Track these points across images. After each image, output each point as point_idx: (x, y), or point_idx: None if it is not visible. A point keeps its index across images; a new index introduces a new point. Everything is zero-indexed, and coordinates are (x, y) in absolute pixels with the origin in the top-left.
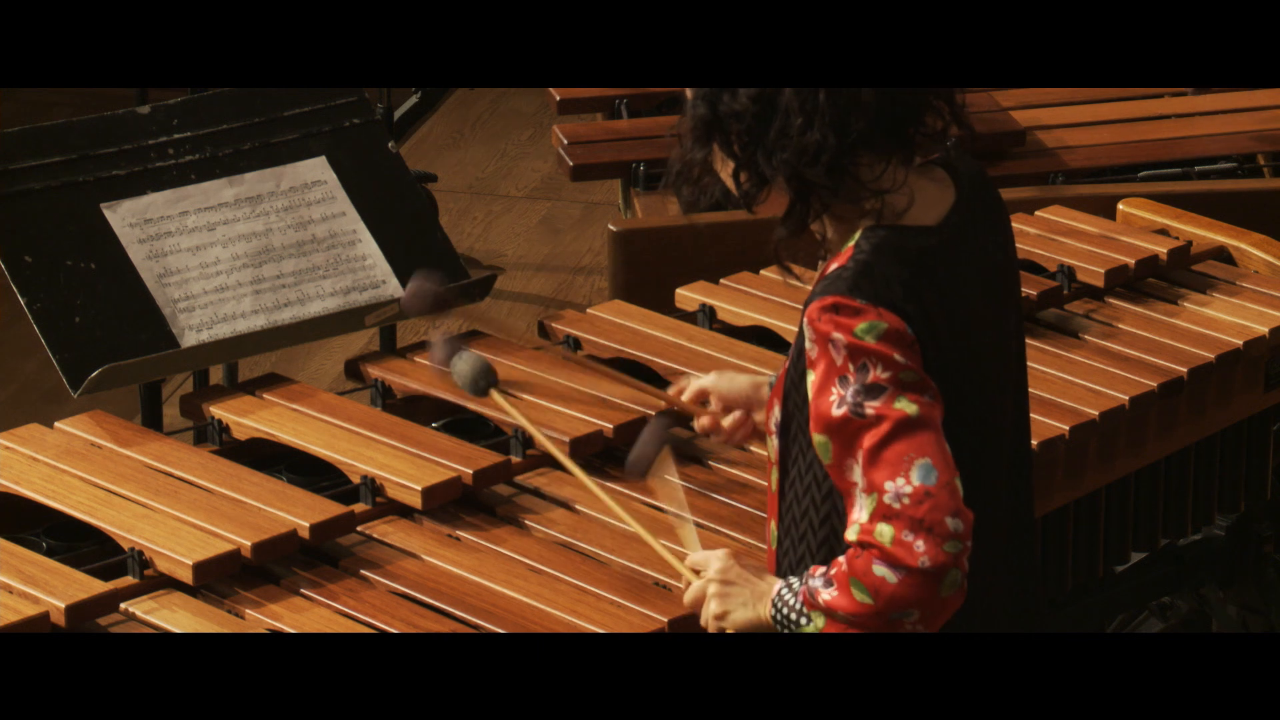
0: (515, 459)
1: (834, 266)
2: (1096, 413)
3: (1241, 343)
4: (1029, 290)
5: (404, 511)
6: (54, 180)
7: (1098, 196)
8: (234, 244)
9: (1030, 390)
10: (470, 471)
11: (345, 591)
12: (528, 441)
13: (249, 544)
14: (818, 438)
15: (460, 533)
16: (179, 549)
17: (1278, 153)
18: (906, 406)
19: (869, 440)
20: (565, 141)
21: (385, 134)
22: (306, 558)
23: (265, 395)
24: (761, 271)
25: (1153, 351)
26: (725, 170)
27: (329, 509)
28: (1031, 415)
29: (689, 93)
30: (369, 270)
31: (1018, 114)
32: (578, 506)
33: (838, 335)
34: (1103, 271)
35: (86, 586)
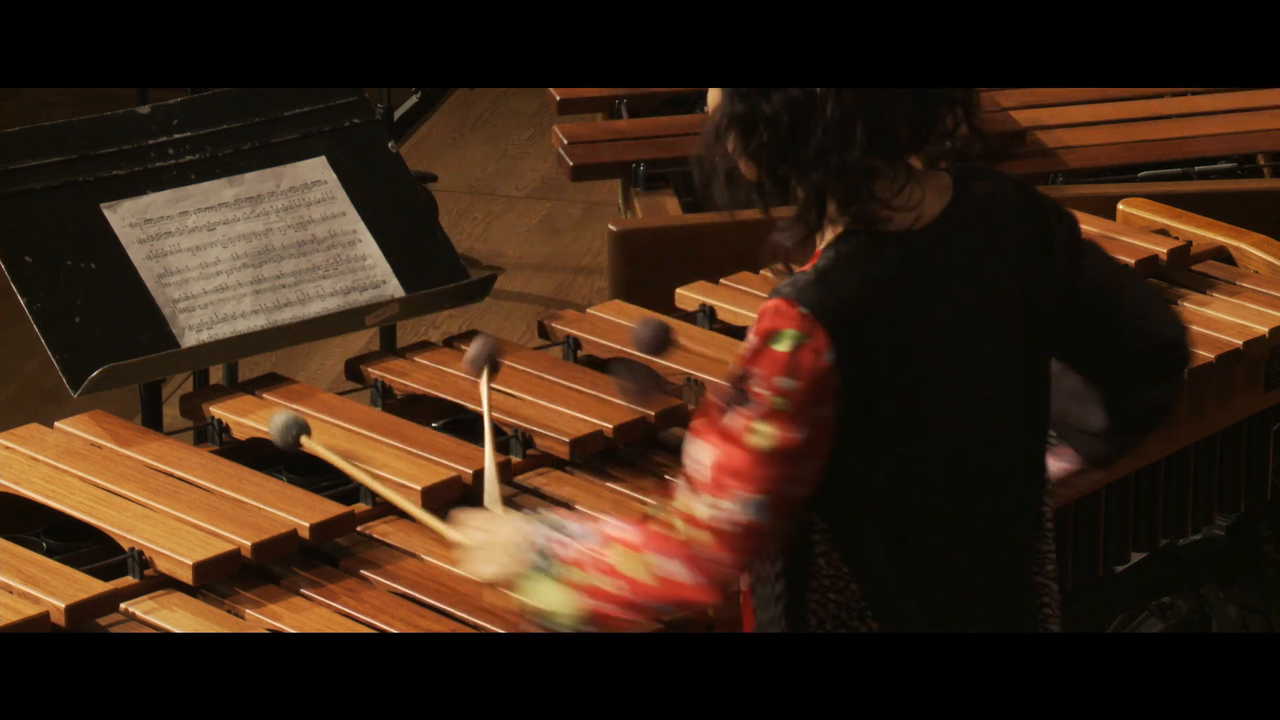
0: (515, 459)
1: (799, 270)
2: None
3: (1241, 343)
4: None
5: (404, 511)
6: (54, 180)
7: (1098, 196)
8: (234, 244)
9: None
10: (470, 471)
11: (345, 591)
12: (528, 441)
13: (249, 544)
14: None
15: None
16: (179, 549)
17: (1278, 153)
18: (766, 434)
19: (726, 449)
20: (565, 141)
21: (385, 134)
22: (306, 558)
23: (265, 395)
24: (762, 271)
25: None
26: (747, 168)
27: (329, 509)
28: None
29: (718, 92)
30: (369, 270)
31: (1018, 114)
32: (578, 506)
33: (761, 334)
34: None
35: (86, 586)
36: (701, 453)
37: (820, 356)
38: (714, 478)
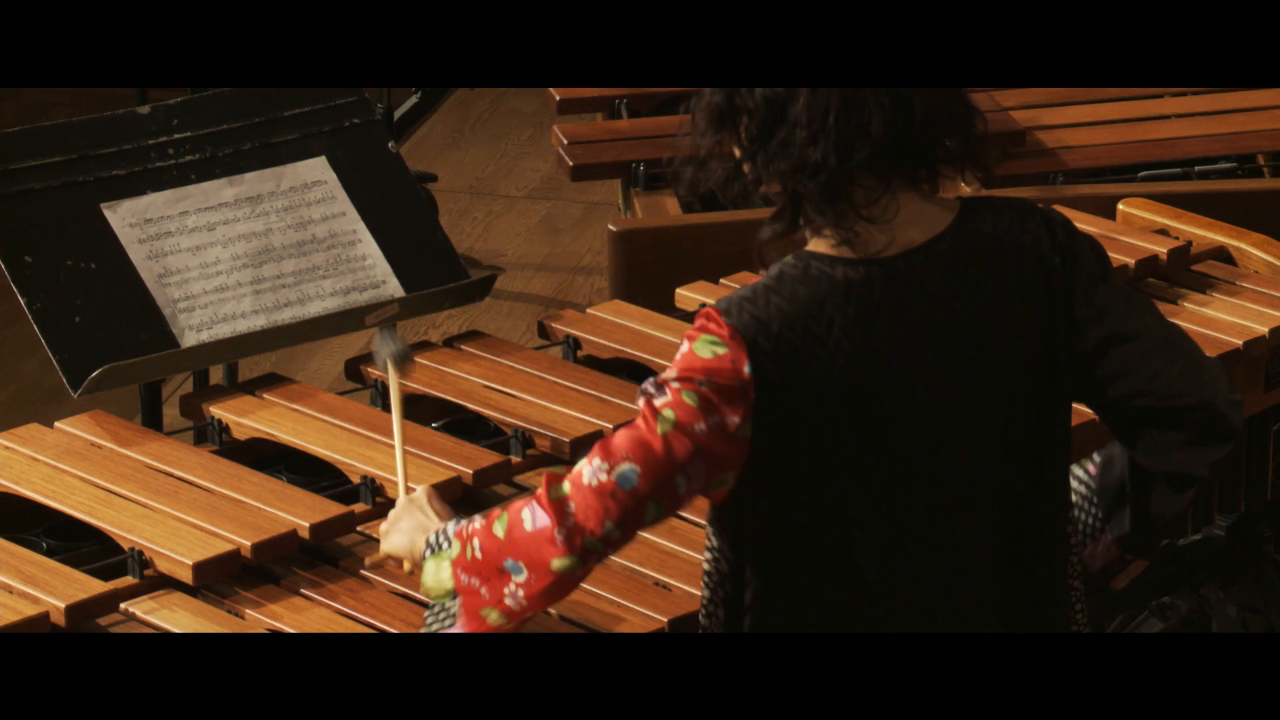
0: (515, 459)
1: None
2: None
3: (1241, 343)
4: None
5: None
6: (54, 180)
7: (1098, 196)
8: (234, 244)
9: None
10: (470, 471)
11: (345, 591)
12: (528, 441)
13: (249, 544)
14: None
15: None
16: (179, 549)
17: (1278, 153)
18: (664, 419)
19: (631, 428)
20: (565, 141)
21: (385, 134)
22: (306, 558)
23: (265, 395)
24: (759, 271)
25: None
26: (738, 159)
27: (329, 509)
28: None
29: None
30: (369, 270)
31: (1018, 114)
32: None
33: (689, 337)
34: None
35: (86, 586)
36: (619, 431)
37: (738, 368)
38: (609, 446)
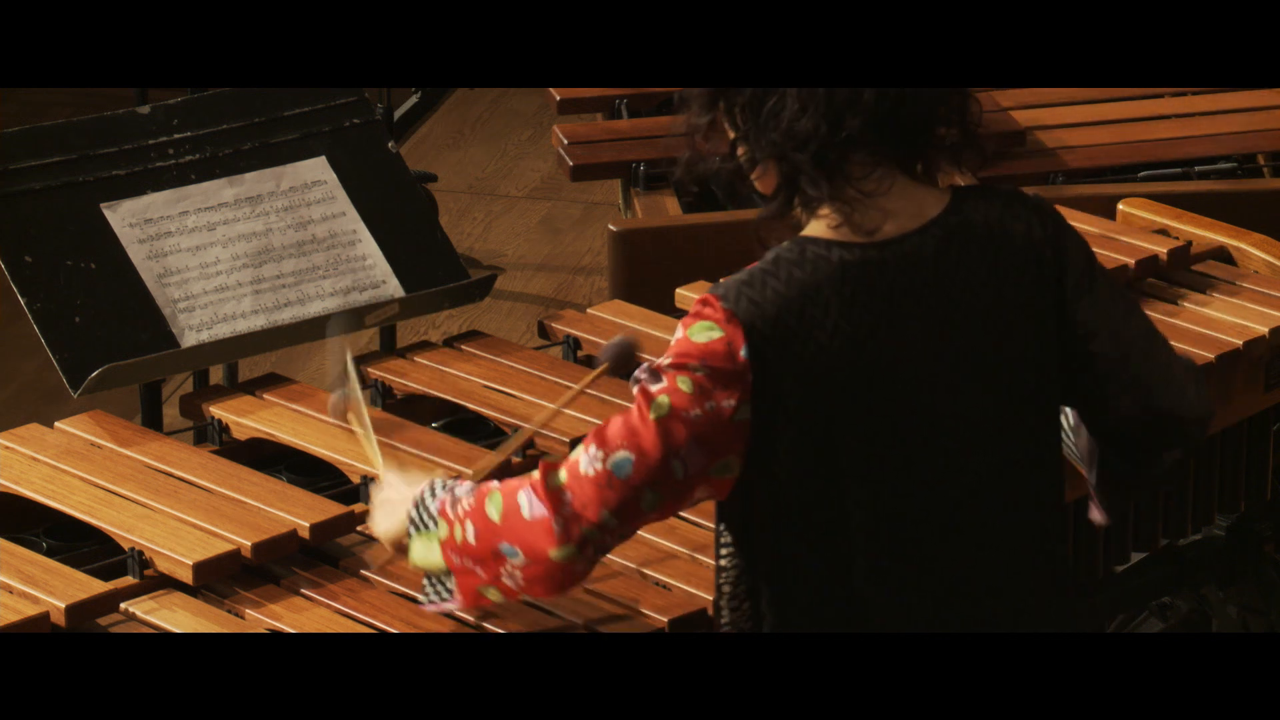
0: (515, 459)
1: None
2: None
3: (1241, 343)
4: None
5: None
6: (54, 180)
7: (1098, 196)
8: (234, 244)
9: None
10: (470, 471)
11: (345, 591)
12: (528, 441)
13: (249, 544)
14: None
15: None
16: (179, 549)
17: (1278, 153)
18: (658, 405)
19: (627, 415)
20: (565, 141)
21: (385, 134)
22: (306, 558)
23: (265, 395)
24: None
25: None
26: (726, 140)
27: (329, 509)
28: None
29: None
30: (369, 270)
31: (1018, 114)
32: None
33: (685, 323)
34: None
35: (86, 586)
36: (614, 418)
37: (734, 352)
38: (604, 434)
